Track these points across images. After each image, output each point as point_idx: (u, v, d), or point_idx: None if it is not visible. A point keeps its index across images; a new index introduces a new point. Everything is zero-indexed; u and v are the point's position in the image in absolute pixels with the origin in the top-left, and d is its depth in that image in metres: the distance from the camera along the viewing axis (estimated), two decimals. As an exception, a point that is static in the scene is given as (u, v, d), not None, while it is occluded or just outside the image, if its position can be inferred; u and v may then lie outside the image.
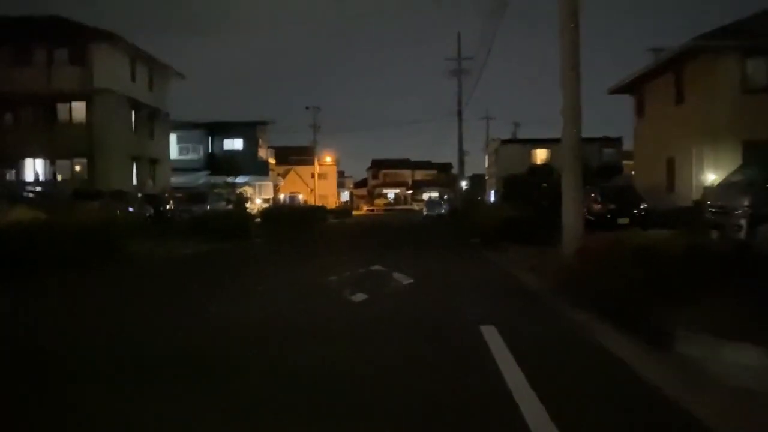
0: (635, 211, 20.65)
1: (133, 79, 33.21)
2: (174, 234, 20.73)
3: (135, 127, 33.54)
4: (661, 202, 21.51)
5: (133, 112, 33.17)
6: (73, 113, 30.79)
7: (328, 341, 5.59)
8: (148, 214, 25.02)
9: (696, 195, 20.01)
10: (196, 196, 31.68)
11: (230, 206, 32.50)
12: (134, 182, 32.92)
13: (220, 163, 45.87)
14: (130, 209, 25.21)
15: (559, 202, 21.98)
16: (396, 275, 10.38)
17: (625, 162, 53.10)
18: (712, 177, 18.90)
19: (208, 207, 30.68)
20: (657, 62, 23.18)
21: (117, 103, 31.33)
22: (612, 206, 20.97)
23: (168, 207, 29.62)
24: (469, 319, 6.52)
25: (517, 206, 19.58)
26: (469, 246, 17.31)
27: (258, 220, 30.72)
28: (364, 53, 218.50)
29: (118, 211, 22.93)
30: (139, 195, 30.12)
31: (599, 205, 21.94)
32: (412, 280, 9.80)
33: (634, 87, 25.86)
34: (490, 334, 5.74)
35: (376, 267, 11.67)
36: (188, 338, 5.79)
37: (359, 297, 8.05)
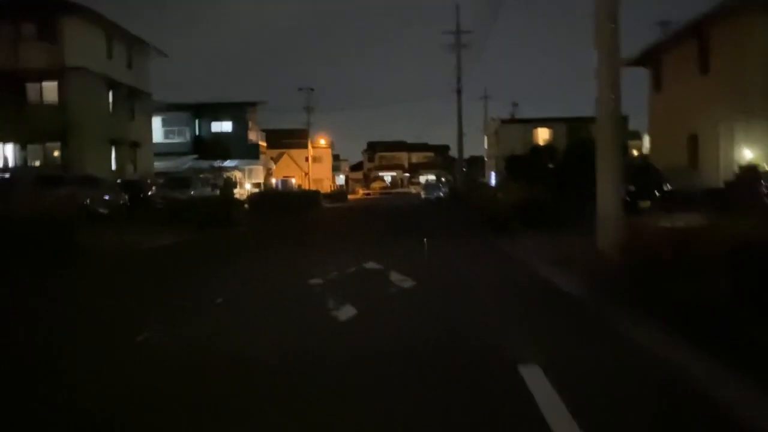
0: (657, 194, 18.70)
1: (110, 56, 30.92)
2: (150, 222, 18.89)
3: (113, 108, 31.31)
4: (683, 184, 19.56)
5: (110, 92, 30.93)
6: (44, 93, 28.51)
7: (290, 403, 3.63)
8: (122, 201, 22.93)
9: (725, 175, 18.07)
10: (178, 181, 29.56)
11: (217, 192, 30.60)
12: (113, 167, 30.80)
13: (208, 147, 43.57)
14: (107, 197, 23.21)
15: (569, 185, 19.65)
16: (393, 276, 8.43)
17: (630, 142, 51.19)
18: (749, 155, 16.92)
19: (192, 193, 28.66)
20: (679, 28, 21.08)
21: (92, 82, 29.10)
22: (632, 188, 18.95)
23: (150, 193, 27.60)
24: (500, 354, 4.58)
25: (522, 188, 17.61)
26: (476, 233, 15.31)
27: (246, 206, 28.84)
28: (359, 30, 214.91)
29: (89, 199, 21.06)
30: (119, 181, 28.14)
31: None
32: (413, 283, 7.84)
33: (650, 58, 23.75)
34: (537, 383, 3.81)
35: (370, 264, 9.71)
36: (77, 393, 3.83)
37: (346, 313, 6.09)
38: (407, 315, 6.10)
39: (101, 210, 21.26)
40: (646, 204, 18.21)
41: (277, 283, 8.30)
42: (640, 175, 19.66)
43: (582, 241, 10.33)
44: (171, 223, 18.42)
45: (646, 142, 57.91)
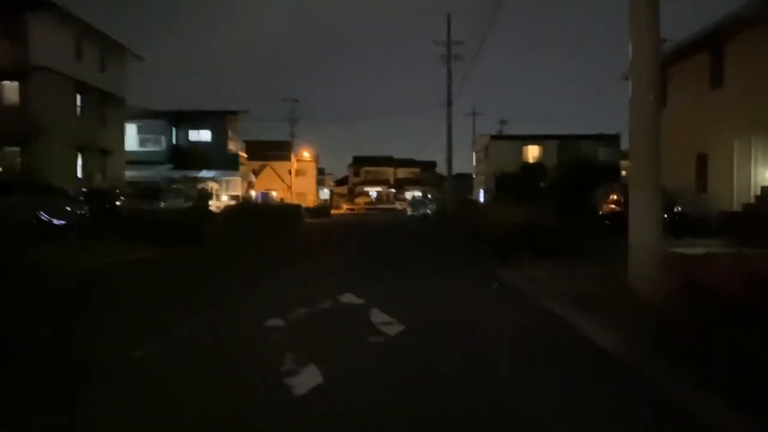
0: (666, 217, 17.10)
1: (80, 57, 28.98)
2: (111, 236, 16.99)
3: (81, 112, 29.35)
4: (691, 206, 18.08)
5: (78, 96, 28.98)
6: (5, 94, 26.57)
7: None
8: (82, 212, 20.96)
9: (740, 197, 16.57)
10: (148, 191, 27.59)
11: (190, 203, 28.71)
12: (80, 175, 28.79)
13: (185, 156, 41.54)
14: (68, 207, 21.28)
15: (567, 206, 17.79)
16: (376, 316, 6.66)
17: (622, 162, 49.99)
18: (769, 175, 15.42)
19: (162, 204, 26.71)
20: (687, 40, 19.66)
21: (58, 84, 27.17)
22: (639, 209, 17.43)
23: (118, 204, 25.66)
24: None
25: (520, 209, 15.96)
26: (473, 259, 13.49)
27: (220, 220, 26.95)
28: (347, 43, 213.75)
29: (43, 210, 19.13)
30: (84, 190, 26.18)
31: (623, 208, 18.40)
32: (401, 329, 6.06)
33: (654, 72, 22.32)
34: None
35: (348, 297, 7.91)
36: None
37: (306, 380, 4.27)
38: (393, 385, 4.30)
39: (57, 222, 19.35)
40: (655, 227, 16.65)
41: (224, 326, 6.41)
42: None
43: (601, 273, 8.70)
44: (134, 238, 16.62)
45: (636, 162, 56.71)
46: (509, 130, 58.10)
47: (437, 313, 7.09)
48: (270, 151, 66.78)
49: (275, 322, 6.30)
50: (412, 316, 6.68)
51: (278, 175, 67.56)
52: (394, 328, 6.04)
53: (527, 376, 4.53)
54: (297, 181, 65.19)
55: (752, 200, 15.61)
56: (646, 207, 7.01)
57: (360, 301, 7.65)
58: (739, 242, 13.74)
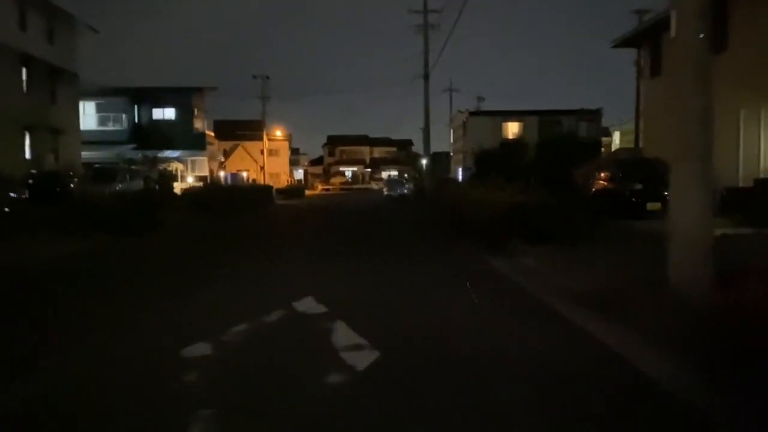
0: (667, 194, 15.61)
1: (23, 28, 26.49)
2: (56, 224, 14.97)
3: (28, 88, 26.90)
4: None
5: (24, 70, 26.51)
6: (-62, 68, 24.11)
7: None
8: (17, 196, 18.90)
9: (748, 171, 15.14)
10: (102, 173, 25.43)
11: (153, 186, 26.63)
12: (28, 156, 26.48)
13: (149, 136, 39.25)
14: (13, 194, 19.27)
15: (553, 181, 16.50)
16: (341, 334, 4.96)
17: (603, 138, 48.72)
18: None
19: (119, 187, 24.57)
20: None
21: (-1, 56, 24.73)
22: (638, 186, 15.93)
23: (72, 186, 23.55)
24: None
25: (504, 187, 14.28)
26: (461, 248, 11.64)
27: (183, 203, 24.97)
28: (323, 22, 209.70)
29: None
30: (33, 172, 24.00)
31: (618, 185, 16.85)
32: (376, 356, 4.35)
33: (646, 38, 20.76)
34: None
35: (307, 303, 6.17)
36: None
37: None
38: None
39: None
40: (656, 206, 15.08)
41: (121, 360, 4.42)
42: (647, 171, 16.50)
43: (619, 265, 7.11)
44: (78, 226, 14.66)
45: (616, 138, 55.85)
46: (486, 108, 56.40)
47: (421, 326, 5.34)
48: (242, 130, 64.51)
49: (199, 349, 4.53)
50: (389, 334, 4.98)
51: (250, 155, 65.29)
52: (364, 357, 4.32)
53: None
54: (270, 161, 63.03)
55: (763, 174, 14.17)
56: (692, 185, 5.38)
57: (322, 309, 5.92)
58: (748, 221, 12.32)
